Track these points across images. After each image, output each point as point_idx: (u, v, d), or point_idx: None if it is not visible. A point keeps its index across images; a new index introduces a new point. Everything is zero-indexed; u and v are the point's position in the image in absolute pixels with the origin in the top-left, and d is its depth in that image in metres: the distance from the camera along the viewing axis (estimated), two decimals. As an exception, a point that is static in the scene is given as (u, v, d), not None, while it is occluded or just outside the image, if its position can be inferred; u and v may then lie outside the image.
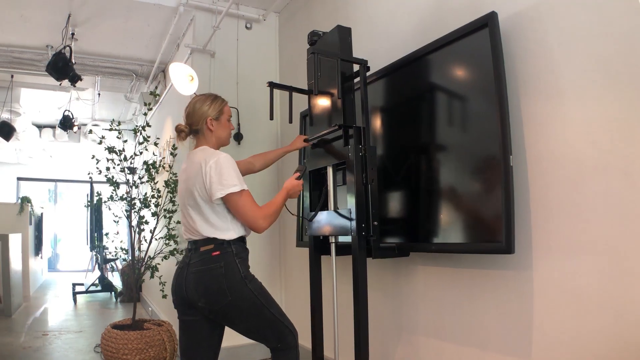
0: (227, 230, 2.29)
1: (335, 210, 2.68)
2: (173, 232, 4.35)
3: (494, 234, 2.13)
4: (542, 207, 2.07)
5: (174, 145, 4.55)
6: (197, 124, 2.41)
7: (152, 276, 4.33)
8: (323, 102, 2.76)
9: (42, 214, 10.50)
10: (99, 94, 6.96)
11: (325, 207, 2.81)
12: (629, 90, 1.75)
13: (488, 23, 2.17)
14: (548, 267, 2.03)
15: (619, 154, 1.78)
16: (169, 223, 4.34)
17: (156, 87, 6.51)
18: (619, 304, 1.77)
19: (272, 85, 2.84)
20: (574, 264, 1.93)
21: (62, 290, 9.60)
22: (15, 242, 7.12)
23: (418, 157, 2.66)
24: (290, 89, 2.96)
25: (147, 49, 5.84)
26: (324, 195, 2.79)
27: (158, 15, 4.85)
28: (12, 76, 6.37)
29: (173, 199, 4.29)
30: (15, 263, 7.09)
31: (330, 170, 2.76)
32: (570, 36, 1.96)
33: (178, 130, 2.44)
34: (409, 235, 2.71)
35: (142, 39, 5.55)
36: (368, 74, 2.88)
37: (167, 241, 4.31)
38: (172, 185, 4.26)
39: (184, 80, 4.15)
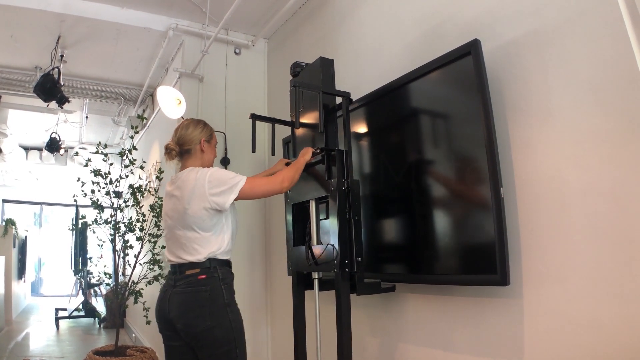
0: (214, 253, 2.30)
1: (318, 245, 2.61)
2: (158, 257, 4.30)
3: (487, 265, 2.10)
4: (530, 231, 2.07)
5: (160, 169, 4.52)
6: (189, 144, 2.47)
7: (135, 301, 4.26)
8: (306, 131, 2.75)
9: (26, 237, 10.36)
10: (87, 117, 6.93)
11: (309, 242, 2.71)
12: (615, 114, 1.77)
13: (471, 51, 2.18)
14: (538, 293, 2.02)
15: (606, 177, 1.79)
16: (153, 248, 4.28)
17: (144, 111, 6.51)
18: (609, 328, 1.75)
19: (255, 117, 2.83)
20: (564, 289, 1.91)
21: (45, 314, 9.42)
22: (-3, 265, 7.02)
23: (405, 187, 2.65)
24: (273, 121, 2.93)
25: (135, 73, 5.85)
26: (308, 230, 2.70)
27: (147, 39, 4.87)
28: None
29: (158, 224, 4.24)
30: (-3, 286, 6.98)
31: (313, 204, 2.69)
32: (557, 61, 1.98)
33: (168, 149, 2.48)
34: (400, 268, 2.70)
35: (131, 63, 5.56)
36: (354, 100, 2.89)
37: (151, 266, 4.25)
38: (158, 210, 4.22)
39: (172, 103, 4.15)
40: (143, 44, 5.01)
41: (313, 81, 2.66)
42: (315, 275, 2.66)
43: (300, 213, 2.85)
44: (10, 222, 8.65)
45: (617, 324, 1.73)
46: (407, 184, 2.63)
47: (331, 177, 2.49)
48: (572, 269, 1.89)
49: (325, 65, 2.66)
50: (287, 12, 4.28)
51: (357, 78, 3.25)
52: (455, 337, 2.42)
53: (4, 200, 12.37)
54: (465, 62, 2.24)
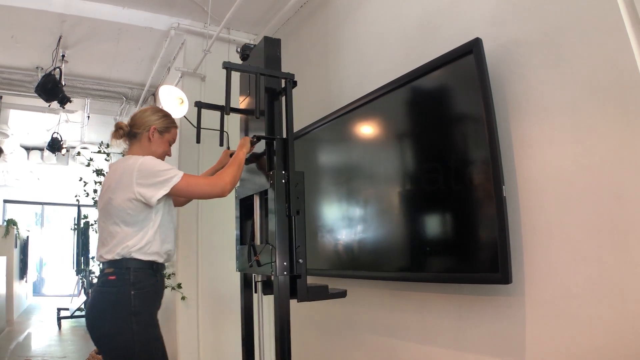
0: (128, 251, 2.07)
1: (256, 245, 2.37)
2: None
3: (489, 264, 2.10)
4: (532, 229, 2.07)
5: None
6: (138, 128, 2.30)
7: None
8: (254, 119, 2.53)
9: (27, 237, 10.38)
10: (89, 117, 6.93)
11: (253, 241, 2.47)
12: (617, 112, 1.77)
13: (473, 49, 2.18)
14: (540, 291, 2.02)
15: (608, 176, 1.79)
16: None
17: (146, 110, 6.50)
18: (611, 326, 1.76)
19: (200, 105, 2.58)
20: (565, 287, 1.92)
21: (47, 314, 9.43)
22: (-1, 265, 7.03)
23: (406, 185, 2.65)
24: (221, 109, 2.60)
25: (137, 72, 5.85)
26: (251, 227, 2.44)
27: (149, 38, 4.88)
28: (0, 97, 6.34)
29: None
30: (-1, 286, 6.99)
31: (257, 199, 2.43)
32: (558, 60, 1.98)
33: (117, 126, 2.32)
34: (401, 266, 2.69)
35: (132, 62, 5.57)
36: (356, 98, 2.88)
37: (153, 265, 4.25)
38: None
39: (174, 103, 4.14)
40: (145, 43, 5.01)
41: (259, 63, 2.42)
42: (257, 277, 2.44)
43: (246, 209, 2.59)
44: (11, 222, 8.67)
45: (618, 323, 1.74)
46: (409, 182, 2.63)
47: (273, 169, 2.24)
48: (574, 267, 1.89)
49: (270, 46, 2.43)
50: (288, 11, 4.28)
51: (359, 76, 3.25)
52: (457, 335, 2.42)
53: (6, 201, 12.38)
54: (466, 61, 2.23)
